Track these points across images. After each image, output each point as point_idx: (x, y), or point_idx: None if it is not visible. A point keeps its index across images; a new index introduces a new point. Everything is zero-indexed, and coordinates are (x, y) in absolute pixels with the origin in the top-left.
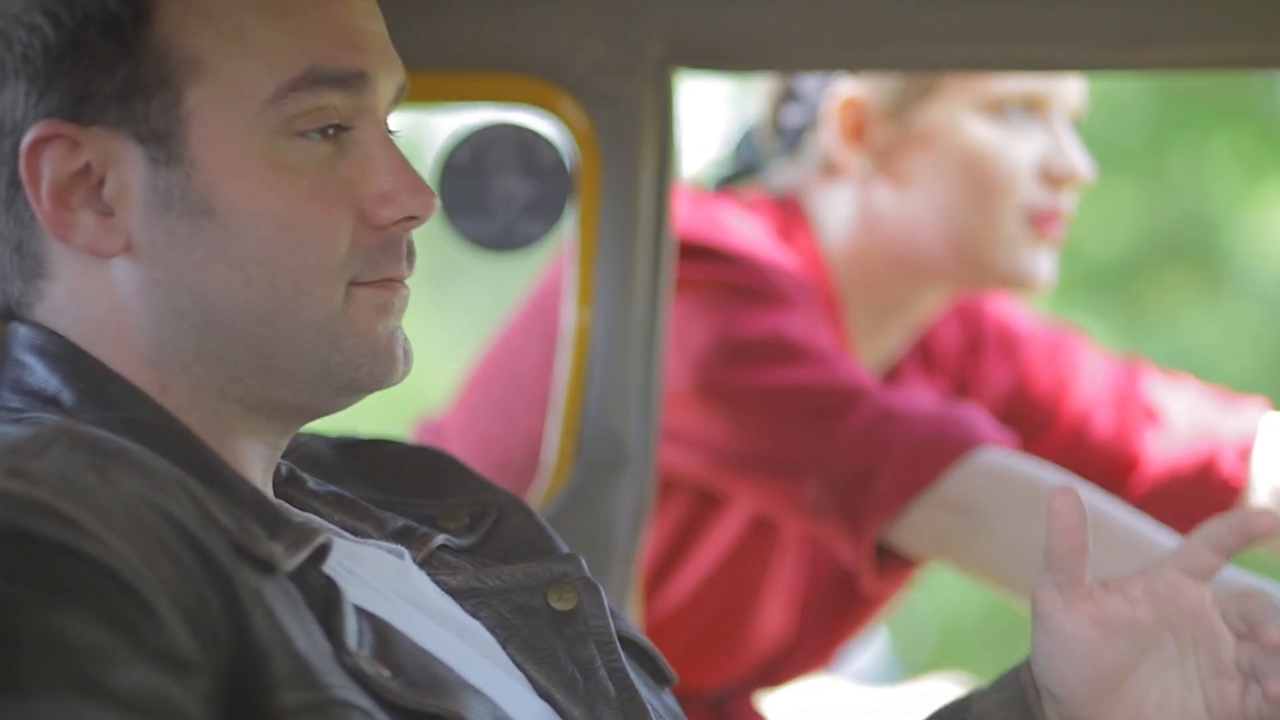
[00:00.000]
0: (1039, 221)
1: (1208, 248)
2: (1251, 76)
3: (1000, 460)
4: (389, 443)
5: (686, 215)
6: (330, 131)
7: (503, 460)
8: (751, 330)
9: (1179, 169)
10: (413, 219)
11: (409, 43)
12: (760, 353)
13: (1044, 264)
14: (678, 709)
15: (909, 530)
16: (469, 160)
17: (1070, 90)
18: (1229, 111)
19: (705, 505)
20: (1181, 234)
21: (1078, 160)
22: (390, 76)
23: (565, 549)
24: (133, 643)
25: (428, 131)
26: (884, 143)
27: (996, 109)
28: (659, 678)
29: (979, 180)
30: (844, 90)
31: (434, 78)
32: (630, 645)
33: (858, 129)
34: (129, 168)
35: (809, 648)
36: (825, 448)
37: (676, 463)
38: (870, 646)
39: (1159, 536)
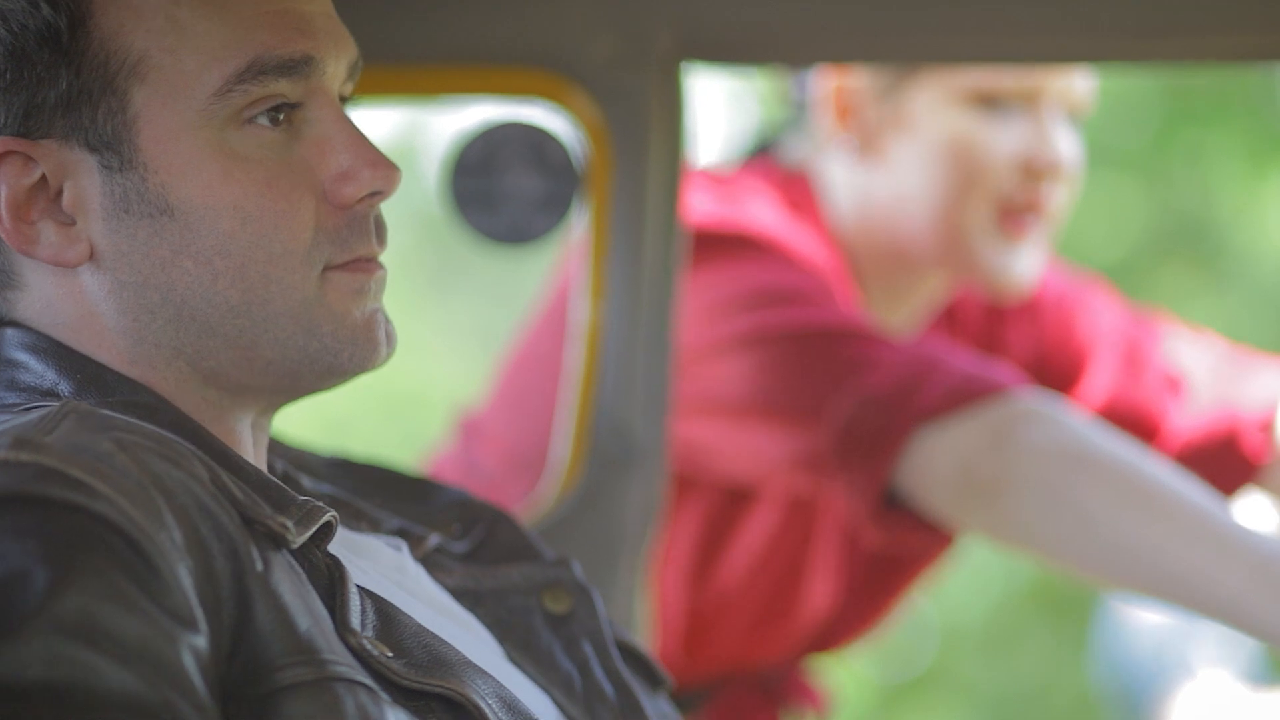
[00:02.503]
0: (1009, 216)
1: (1209, 245)
2: (1260, 70)
3: (1038, 402)
4: (378, 466)
5: (704, 205)
6: (280, 117)
7: (534, 461)
8: (773, 281)
9: (1180, 167)
10: (376, 194)
11: (420, 37)
12: (783, 299)
13: (1019, 264)
14: (673, 712)
15: (932, 459)
16: (480, 157)
17: (1067, 85)
18: (1230, 109)
19: (736, 500)
20: (1183, 232)
21: (1061, 153)
22: (339, 56)
23: (552, 556)
24: (136, 595)
25: (434, 129)
26: (872, 125)
27: (981, 99)
28: (653, 681)
29: (953, 168)
30: (835, 72)
31: (444, 71)
32: (624, 650)
33: (846, 111)
34: (84, 176)
35: (851, 621)
36: (855, 378)
37: (699, 441)
38: (1240, 649)
39: (1196, 495)
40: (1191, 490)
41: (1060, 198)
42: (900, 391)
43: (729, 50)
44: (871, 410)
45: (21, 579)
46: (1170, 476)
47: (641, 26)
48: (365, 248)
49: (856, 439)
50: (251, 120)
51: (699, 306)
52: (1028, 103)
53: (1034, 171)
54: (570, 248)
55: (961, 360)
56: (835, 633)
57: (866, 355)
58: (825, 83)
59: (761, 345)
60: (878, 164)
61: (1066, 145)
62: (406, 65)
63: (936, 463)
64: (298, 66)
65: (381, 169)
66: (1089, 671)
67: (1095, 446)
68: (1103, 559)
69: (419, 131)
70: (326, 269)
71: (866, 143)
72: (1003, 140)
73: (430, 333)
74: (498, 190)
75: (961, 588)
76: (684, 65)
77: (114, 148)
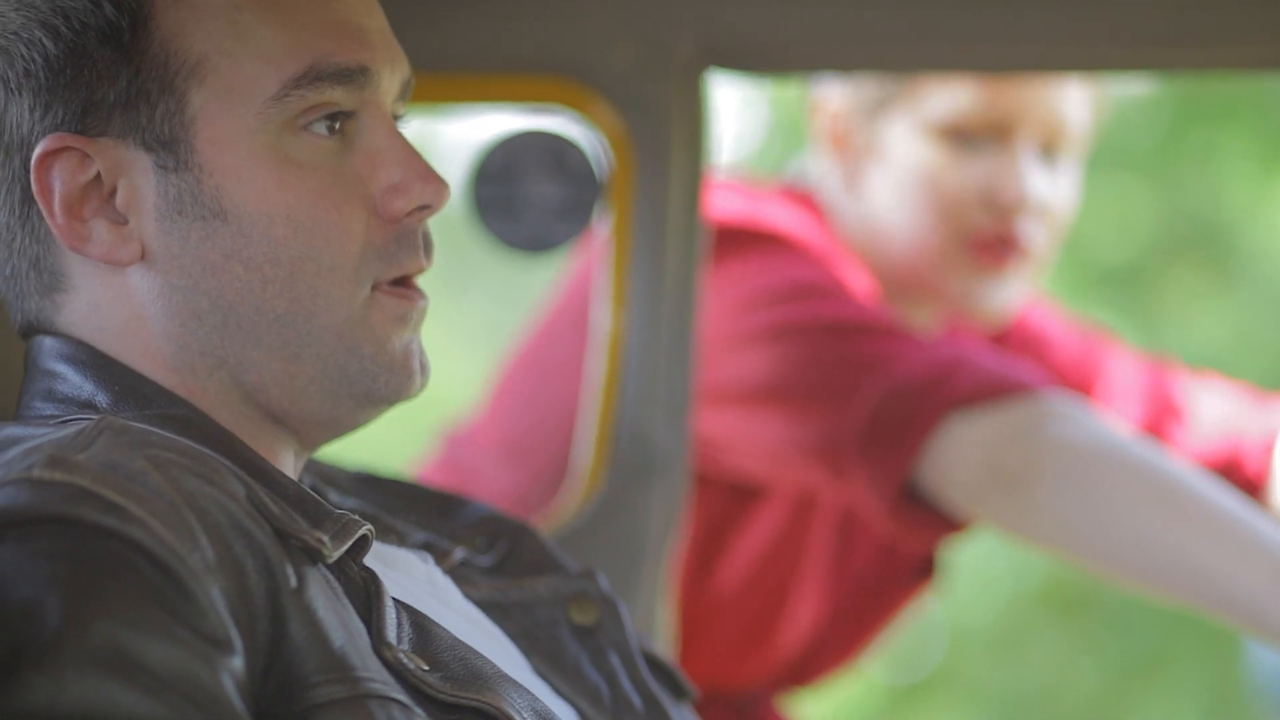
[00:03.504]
0: (979, 249)
1: (1220, 247)
2: (1274, 78)
3: (1077, 405)
4: (404, 481)
5: (729, 204)
6: (335, 125)
7: (538, 465)
8: (801, 276)
9: (1190, 168)
10: (425, 208)
11: (445, 45)
12: (809, 291)
13: (996, 295)
14: None
15: (961, 445)
16: (501, 165)
17: (1045, 119)
18: (1239, 110)
19: (738, 501)
20: (1193, 233)
21: (1027, 188)
22: (394, 71)
23: (576, 568)
24: (168, 622)
25: (446, 135)
26: (857, 153)
27: (949, 132)
28: (677, 692)
29: (921, 201)
30: (829, 99)
31: (465, 80)
32: (649, 661)
33: (836, 138)
34: (139, 176)
35: (835, 648)
36: (882, 370)
37: (715, 437)
38: None
39: (1220, 496)
40: (1215, 491)
41: (1037, 234)
42: (928, 383)
43: (750, 58)
44: (898, 400)
45: (51, 604)
46: (1194, 477)
47: (662, 35)
48: (413, 262)
49: (881, 428)
50: (307, 127)
51: (723, 300)
52: (998, 136)
53: (1000, 206)
54: (582, 250)
55: (989, 357)
56: (814, 662)
57: (893, 349)
58: (822, 109)
59: (786, 337)
60: (861, 192)
61: (1037, 180)
62: (427, 73)
63: (961, 454)
64: (354, 75)
65: (432, 183)
66: (1247, 659)
67: (1121, 445)
68: (1124, 556)
69: (430, 138)
70: (374, 288)
71: (852, 170)
72: (969, 174)
73: (442, 334)
74: (519, 198)
75: (970, 588)
76: (705, 73)
77: (170, 148)
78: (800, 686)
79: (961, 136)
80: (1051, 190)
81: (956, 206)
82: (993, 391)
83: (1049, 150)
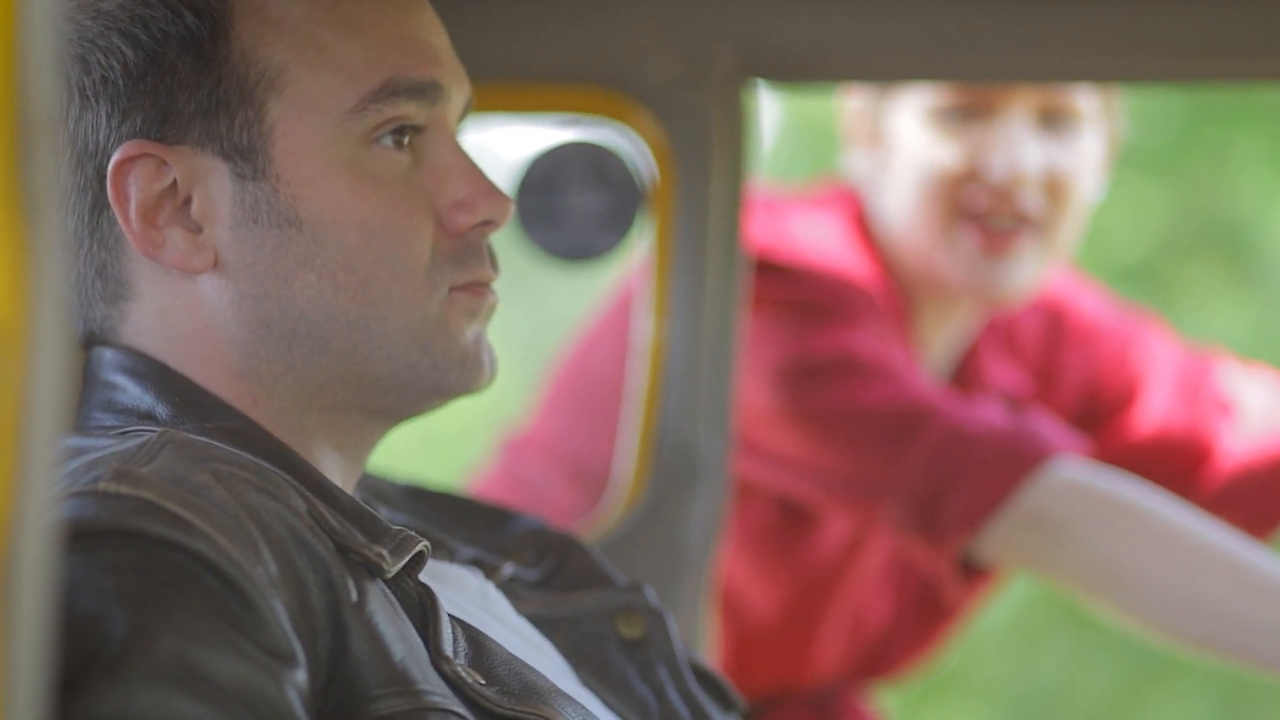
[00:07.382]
0: (981, 230)
1: (1235, 245)
2: None
3: (1074, 473)
4: (453, 494)
5: (760, 227)
6: (406, 140)
7: (591, 472)
8: (821, 350)
9: (1203, 166)
10: (489, 223)
11: (486, 55)
12: (830, 373)
13: (1009, 273)
14: None
15: (989, 546)
16: (544, 176)
17: (1033, 92)
18: (1254, 109)
19: (791, 508)
20: (1208, 231)
21: (1019, 158)
22: (459, 89)
23: (624, 581)
24: (233, 636)
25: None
26: (878, 148)
27: (940, 113)
28: (725, 703)
29: (920, 185)
30: (852, 99)
31: (509, 89)
32: (697, 672)
33: (862, 136)
34: (215, 184)
35: (908, 638)
36: (898, 469)
37: (761, 476)
38: None
39: (1232, 545)
40: (1225, 537)
41: (1040, 203)
42: (935, 500)
43: (791, 68)
44: (915, 517)
45: (117, 617)
46: (1217, 537)
47: (703, 45)
48: (484, 272)
49: (912, 535)
50: (378, 141)
51: (755, 360)
52: (985, 111)
53: (991, 180)
54: (629, 264)
55: (992, 439)
56: (890, 655)
57: (905, 447)
58: (847, 110)
59: (817, 423)
60: (884, 186)
61: (1031, 151)
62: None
63: (994, 555)
64: (427, 91)
65: (496, 200)
66: None
67: (1135, 511)
68: (1155, 616)
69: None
70: (452, 289)
71: (877, 166)
72: (960, 151)
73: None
74: (561, 208)
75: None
76: (745, 83)
77: (248, 157)
78: (880, 679)
79: (951, 116)
80: (1054, 159)
81: (948, 184)
82: (999, 497)
83: (1050, 120)
